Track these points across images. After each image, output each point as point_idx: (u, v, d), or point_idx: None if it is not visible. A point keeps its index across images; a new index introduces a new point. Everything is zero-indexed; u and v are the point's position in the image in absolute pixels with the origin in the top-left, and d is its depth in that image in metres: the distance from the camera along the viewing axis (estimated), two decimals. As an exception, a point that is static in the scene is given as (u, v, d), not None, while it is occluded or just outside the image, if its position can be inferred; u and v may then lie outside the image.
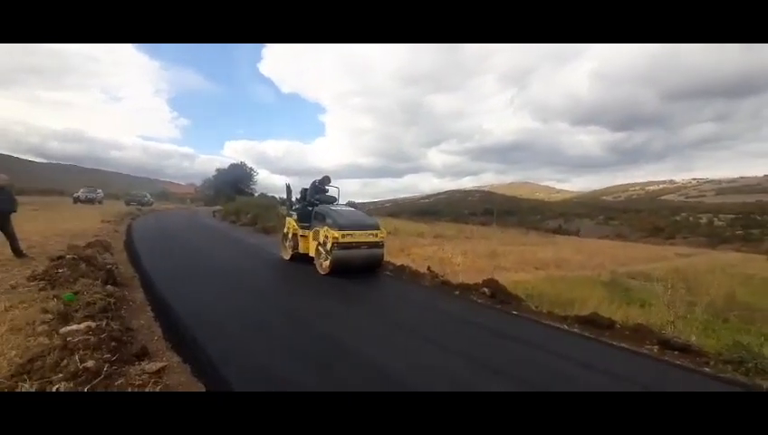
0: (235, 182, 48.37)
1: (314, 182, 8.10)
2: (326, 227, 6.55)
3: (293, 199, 8.60)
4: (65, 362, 2.44)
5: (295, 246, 7.81)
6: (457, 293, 6.21)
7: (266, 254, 9.18)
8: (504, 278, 8.63)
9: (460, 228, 34.30)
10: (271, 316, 4.36)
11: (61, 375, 2.22)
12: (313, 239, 7.09)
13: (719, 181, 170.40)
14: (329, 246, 6.40)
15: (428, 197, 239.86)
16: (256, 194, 46.89)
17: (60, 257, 6.03)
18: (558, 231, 74.39)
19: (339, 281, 6.30)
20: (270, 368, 2.96)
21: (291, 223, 8.09)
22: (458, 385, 2.88)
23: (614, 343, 4.17)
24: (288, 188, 8.72)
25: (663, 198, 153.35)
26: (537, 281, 10.00)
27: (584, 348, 3.96)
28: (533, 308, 5.53)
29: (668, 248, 36.87)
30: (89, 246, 7.56)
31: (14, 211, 6.55)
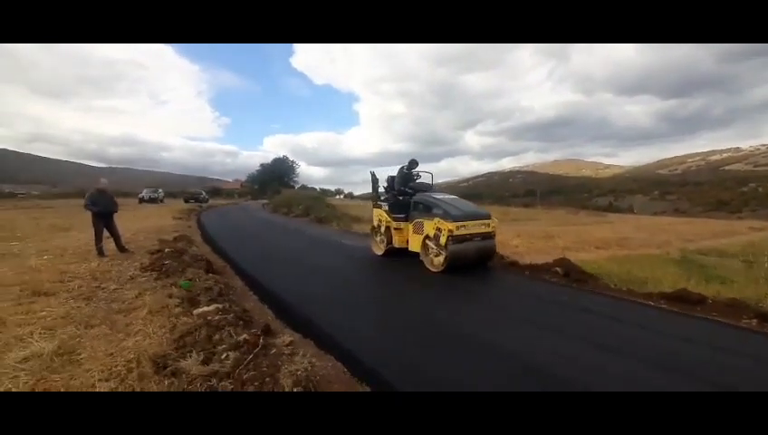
0: (279, 176, 50.21)
1: (402, 168, 7.47)
2: (437, 219, 5.89)
3: (382, 188, 7.94)
4: (217, 336, 2.83)
5: (389, 241, 7.12)
6: (527, 273, 6.23)
7: (329, 241, 9.68)
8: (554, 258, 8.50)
9: (504, 211, 33.51)
10: (358, 296, 4.68)
11: (225, 346, 2.60)
12: (415, 232, 6.52)
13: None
14: (442, 239, 5.73)
15: (467, 180, 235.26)
16: (297, 186, 48.60)
17: (159, 251, 6.72)
18: (609, 209, 70.75)
19: (410, 263, 6.46)
20: (383, 343, 3.24)
21: (381, 215, 7.36)
22: (569, 361, 3.01)
23: (710, 318, 4.09)
24: (373, 176, 8.04)
25: (727, 168, 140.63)
26: (602, 260, 9.71)
27: (682, 324, 3.92)
28: (612, 286, 5.47)
29: (737, 223, 33.98)
30: (175, 240, 8.32)
31: (116, 211, 7.33)
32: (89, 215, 6.95)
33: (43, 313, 3.94)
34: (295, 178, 53.30)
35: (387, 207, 7.28)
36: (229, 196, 58.60)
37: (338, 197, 50.83)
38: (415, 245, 6.54)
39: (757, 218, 48.92)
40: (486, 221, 6.22)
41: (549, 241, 13.08)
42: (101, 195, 7.08)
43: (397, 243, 7.01)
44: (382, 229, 7.34)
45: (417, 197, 6.77)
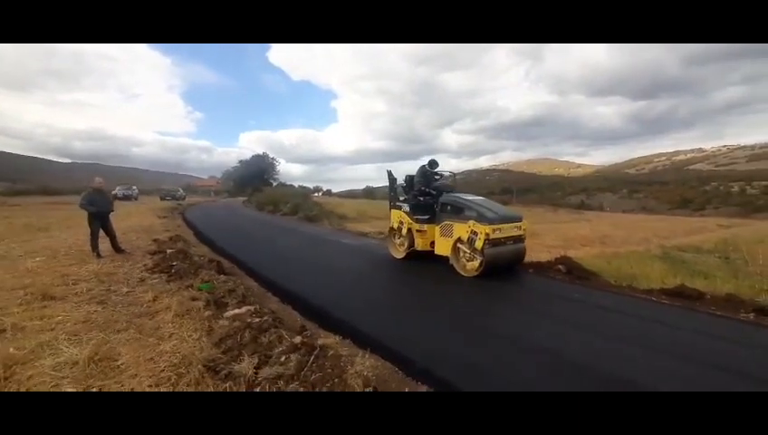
0: (259, 173, 49.24)
1: (423, 168, 7.12)
2: (471, 221, 5.61)
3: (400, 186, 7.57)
4: (264, 338, 2.82)
5: (411, 244, 6.80)
6: (531, 271, 6.42)
7: (328, 240, 9.68)
8: (555, 256, 8.82)
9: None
10: (384, 297, 4.74)
11: (281, 349, 2.60)
12: (443, 235, 6.26)
13: (752, 147, 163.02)
14: (478, 243, 5.46)
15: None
16: (275, 184, 48.01)
17: (160, 252, 6.55)
18: (581, 207, 73.14)
19: (427, 264, 6.44)
20: (429, 341, 3.32)
21: (401, 216, 7.01)
22: (593, 357, 3.18)
23: (711, 312, 4.38)
24: (390, 175, 7.65)
25: (691, 167, 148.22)
26: (590, 258, 10.10)
27: (689, 318, 4.19)
28: (613, 283, 5.74)
29: (706, 220, 35.96)
30: (171, 240, 8.11)
31: (113, 211, 7.09)
32: (65, 213, 6.71)
33: (59, 317, 3.81)
34: (276, 176, 52.48)
35: (408, 209, 6.93)
36: (205, 193, 57.13)
37: (317, 194, 50.63)
38: (442, 248, 6.28)
39: (720, 216, 51.86)
40: (519, 224, 6.03)
41: (535, 239, 13.45)
42: (98, 194, 6.85)
43: (420, 246, 6.66)
44: (403, 232, 6.96)
45: (445, 198, 6.45)
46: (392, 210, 7.40)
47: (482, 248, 5.44)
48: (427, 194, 6.89)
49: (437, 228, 6.39)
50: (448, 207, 6.27)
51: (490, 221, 5.49)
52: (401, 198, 7.30)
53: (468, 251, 5.73)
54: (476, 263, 5.61)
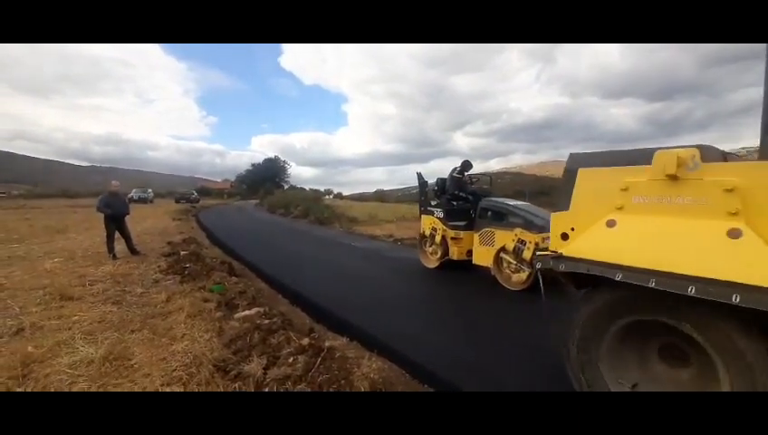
0: (271, 176, 49.91)
1: (454, 171, 6.64)
2: (518, 229, 5.07)
3: (434, 189, 7.08)
4: (274, 340, 2.86)
5: (445, 253, 6.29)
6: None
7: (338, 242, 9.74)
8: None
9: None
10: (388, 300, 4.74)
11: (289, 350, 2.63)
12: (482, 244, 5.69)
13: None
14: (526, 253, 4.89)
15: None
16: (286, 187, 48.62)
17: (173, 254, 6.68)
18: (595, 210, 71.82)
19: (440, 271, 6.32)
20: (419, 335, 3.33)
21: (434, 222, 6.49)
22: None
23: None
24: (420, 178, 7.15)
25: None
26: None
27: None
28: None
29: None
30: (185, 242, 8.26)
31: (128, 214, 7.27)
32: (83, 216, 6.88)
33: (76, 317, 3.92)
34: (287, 179, 53.17)
35: (441, 214, 6.39)
36: (219, 196, 58.05)
37: (327, 197, 51.07)
38: (482, 258, 5.69)
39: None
40: None
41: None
42: (114, 197, 7.04)
43: (455, 255, 6.10)
44: (436, 239, 6.38)
45: (485, 202, 5.83)
46: (423, 216, 6.90)
47: (531, 259, 4.82)
48: (463, 198, 6.48)
49: (476, 236, 5.80)
50: (489, 213, 5.67)
51: (539, 229, 4.87)
52: (433, 203, 6.82)
53: (514, 262, 5.17)
54: (524, 275, 5.03)
